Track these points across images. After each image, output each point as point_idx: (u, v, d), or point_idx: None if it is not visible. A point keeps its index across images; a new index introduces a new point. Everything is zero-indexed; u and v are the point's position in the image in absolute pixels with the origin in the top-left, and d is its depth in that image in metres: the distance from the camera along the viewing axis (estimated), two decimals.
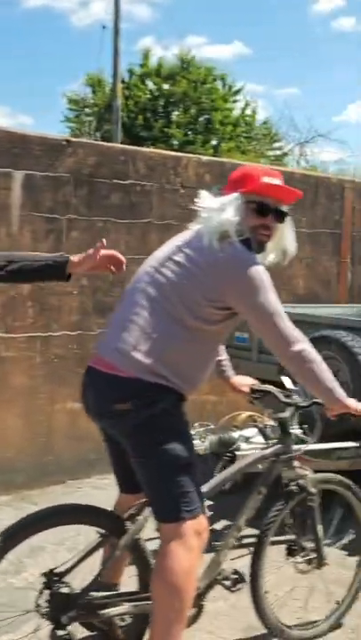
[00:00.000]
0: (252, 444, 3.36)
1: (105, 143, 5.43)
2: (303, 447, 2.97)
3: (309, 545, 2.87)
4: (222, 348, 2.90)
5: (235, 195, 2.45)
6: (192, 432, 3.09)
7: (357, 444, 4.27)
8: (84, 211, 4.78)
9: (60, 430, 4.63)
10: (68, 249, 4.63)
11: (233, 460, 4.18)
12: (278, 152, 20.60)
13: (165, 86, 24.29)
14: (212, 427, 4.59)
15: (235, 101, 24.87)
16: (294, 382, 3.01)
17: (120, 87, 17.57)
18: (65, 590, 2.40)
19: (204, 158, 5.74)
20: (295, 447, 2.86)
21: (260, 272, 2.37)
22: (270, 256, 2.57)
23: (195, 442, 3.84)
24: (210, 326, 2.42)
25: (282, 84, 47.09)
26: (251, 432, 3.35)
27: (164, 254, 2.49)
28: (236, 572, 2.69)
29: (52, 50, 46.52)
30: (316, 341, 4.35)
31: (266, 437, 2.93)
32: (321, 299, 6.58)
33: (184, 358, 2.41)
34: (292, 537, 2.87)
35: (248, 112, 24.72)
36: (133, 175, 5.02)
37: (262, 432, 2.92)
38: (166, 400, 2.38)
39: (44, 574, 2.42)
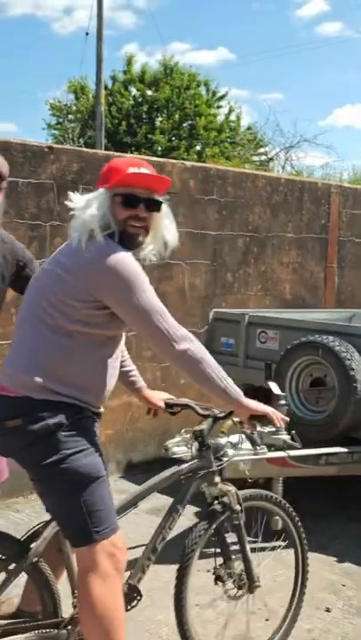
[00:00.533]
0: (239, 450, 3.32)
1: (88, 149, 5.39)
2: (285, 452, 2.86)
3: (238, 567, 2.70)
4: (128, 358, 2.77)
5: (99, 190, 2.35)
6: (178, 438, 3.06)
7: (346, 450, 4.25)
8: (68, 217, 4.71)
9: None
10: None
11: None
12: (264, 157, 20.61)
13: (149, 92, 24.32)
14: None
15: (219, 107, 24.96)
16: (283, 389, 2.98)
17: (103, 93, 17.56)
18: None
19: (189, 164, 5.71)
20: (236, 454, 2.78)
21: (127, 266, 2.23)
22: (149, 248, 2.44)
23: (181, 448, 3.82)
24: (94, 330, 2.29)
25: (266, 89, 47.44)
26: (238, 438, 3.31)
27: (41, 268, 2.44)
28: (131, 588, 2.50)
29: (36, 57, 46.65)
30: (303, 346, 4.37)
31: (253, 443, 2.86)
32: (308, 304, 6.57)
33: (73, 368, 2.28)
34: (219, 560, 2.68)
35: (232, 117, 24.80)
36: None
37: (250, 438, 2.83)
38: (59, 416, 2.24)
39: None
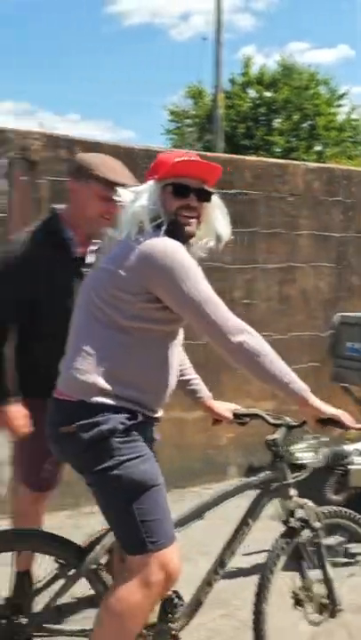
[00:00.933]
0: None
1: (210, 153, 5.41)
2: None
3: (319, 590, 2.53)
4: (190, 367, 2.68)
5: (149, 182, 2.30)
6: (304, 444, 2.98)
7: None
8: None
9: (166, 439, 4.61)
10: None
11: (346, 473, 4.04)
12: None
13: (267, 94, 24.19)
14: (325, 439, 4.46)
15: (339, 106, 24.47)
16: None
17: (222, 97, 17.60)
18: (17, 619, 2.32)
19: (312, 165, 5.62)
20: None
21: (178, 256, 2.16)
22: (202, 240, 2.37)
23: (308, 454, 3.72)
24: (150, 325, 2.21)
25: None
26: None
27: (92, 269, 2.40)
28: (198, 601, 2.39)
29: (153, 64, 47.49)
30: None
31: None
32: None
33: (130, 367, 2.21)
34: (298, 583, 2.52)
35: (354, 116, 24.25)
36: (239, 184, 4.96)
37: None
38: (113, 421, 2.17)
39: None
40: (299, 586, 2.52)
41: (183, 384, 2.62)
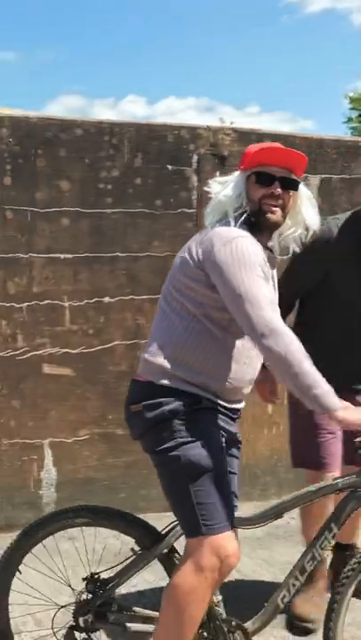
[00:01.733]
0: None
1: None
2: None
3: None
4: None
5: (235, 173, 2.32)
6: None
7: None
8: None
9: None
10: None
11: None
12: None
13: None
14: None
15: None
16: None
17: None
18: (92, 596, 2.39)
19: None
20: None
21: (237, 245, 2.13)
22: (290, 230, 2.34)
23: None
24: (221, 313, 2.20)
25: None
26: None
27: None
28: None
29: (335, 51, 46.29)
30: None
31: None
32: None
33: (199, 353, 2.22)
34: None
35: None
36: None
37: None
38: (176, 403, 2.20)
39: (85, 578, 2.43)
40: None
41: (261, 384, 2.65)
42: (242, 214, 2.25)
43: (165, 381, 2.24)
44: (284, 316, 3.00)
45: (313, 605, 2.94)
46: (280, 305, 2.95)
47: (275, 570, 2.41)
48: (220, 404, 2.29)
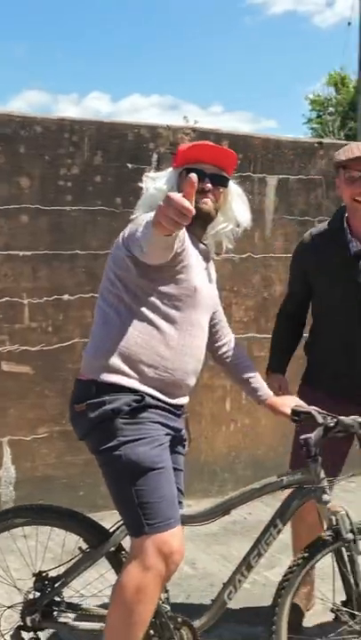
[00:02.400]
0: None
1: (357, 142, 5.34)
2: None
3: (351, 613, 2.30)
4: (250, 365, 2.63)
5: (168, 170, 2.41)
6: None
7: None
8: None
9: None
10: None
11: None
12: None
13: None
14: None
15: None
16: None
17: None
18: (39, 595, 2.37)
19: None
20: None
21: (141, 219, 2.19)
22: (222, 225, 2.43)
23: None
24: (155, 300, 2.25)
25: None
26: None
27: None
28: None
29: (296, 52, 46.77)
30: None
31: None
32: None
33: (136, 345, 2.23)
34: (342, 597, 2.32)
35: None
36: None
37: None
38: (119, 401, 2.20)
39: (34, 575, 2.43)
40: (342, 600, 2.37)
41: (241, 383, 2.63)
42: None
43: (107, 378, 2.24)
44: (290, 313, 3.10)
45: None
46: (288, 302, 3.11)
47: (231, 566, 2.43)
48: (163, 401, 2.29)
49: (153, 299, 2.26)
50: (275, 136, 4.57)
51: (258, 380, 2.63)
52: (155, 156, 4.16)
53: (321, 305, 2.93)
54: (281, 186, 4.54)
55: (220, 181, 2.37)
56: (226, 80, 56.79)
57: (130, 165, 4.09)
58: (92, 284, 4.01)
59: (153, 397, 2.26)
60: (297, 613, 2.87)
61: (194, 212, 1.82)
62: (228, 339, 2.66)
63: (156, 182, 2.39)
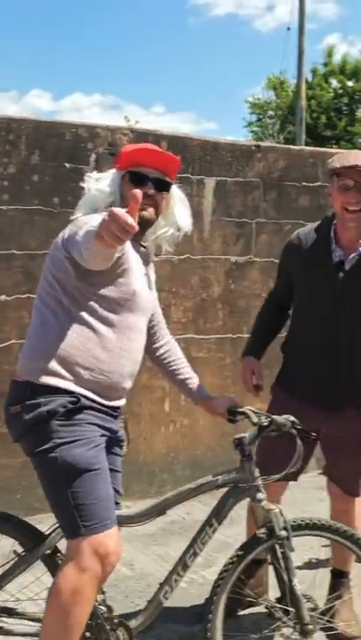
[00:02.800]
0: None
1: (294, 147, 5.44)
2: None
3: (285, 609, 2.34)
4: (187, 366, 2.64)
5: (111, 171, 2.38)
6: None
7: None
8: (274, 214, 4.82)
9: (248, 429, 4.69)
10: (257, 252, 4.71)
11: None
12: None
13: (350, 83, 23.77)
14: None
15: None
16: None
17: (304, 87, 17.42)
18: None
19: None
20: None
21: (81, 221, 2.19)
22: (163, 230, 2.43)
23: None
24: (91, 303, 2.24)
25: None
26: None
27: None
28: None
29: (237, 56, 47.27)
30: None
31: None
32: None
33: (73, 347, 2.22)
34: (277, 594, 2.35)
35: None
36: (322, 177, 4.98)
37: None
38: (54, 403, 2.19)
39: None
40: (276, 597, 2.40)
41: (180, 385, 2.64)
42: (114, 206, 2.23)
43: (43, 380, 2.22)
44: (272, 310, 3.12)
45: (352, 621, 2.94)
46: (272, 294, 3.13)
47: (169, 566, 2.45)
48: (99, 402, 2.28)
49: (91, 301, 2.25)
50: (213, 138, 4.61)
51: (195, 380, 2.64)
52: (93, 156, 4.14)
53: (300, 306, 2.95)
54: (219, 188, 4.58)
55: (163, 186, 2.36)
56: (168, 81, 56.99)
57: (68, 165, 4.06)
58: (30, 284, 3.96)
59: (89, 399, 2.25)
60: (238, 606, 2.93)
61: (137, 228, 1.82)
62: (166, 340, 2.66)
63: (98, 183, 2.36)
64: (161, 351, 2.65)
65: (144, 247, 2.45)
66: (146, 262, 2.45)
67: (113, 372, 2.29)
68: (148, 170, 2.33)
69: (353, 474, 2.94)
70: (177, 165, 2.40)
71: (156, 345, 2.64)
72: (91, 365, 2.25)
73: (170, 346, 2.66)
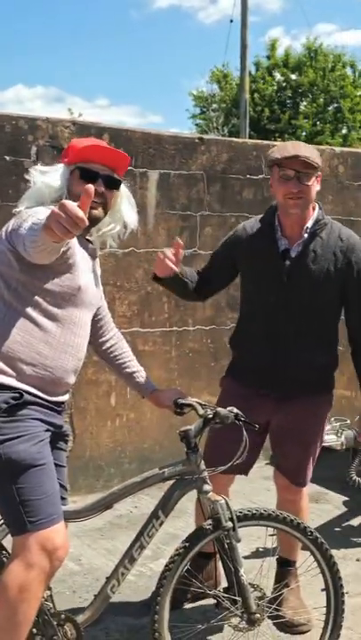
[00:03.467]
0: None
1: (237, 139, 5.47)
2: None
3: (233, 599, 2.37)
4: (133, 360, 2.65)
5: (59, 165, 2.36)
6: (328, 427, 3.01)
7: None
8: (217, 207, 4.84)
9: (194, 422, 4.72)
10: (201, 245, 4.72)
11: None
12: None
13: (293, 77, 24.02)
14: (348, 422, 4.54)
15: None
16: None
17: (248, 80, 17.51)
18: None
19: (338, 149, 5.64)
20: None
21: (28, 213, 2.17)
22: (108, 227, 2.44)
23: (330, 437, 3.75)
24: (33, 297, 2.22)
25: None
26: None
27: None
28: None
29: (181, 48, 47.25)
30: None
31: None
32: None
33: (16, 343, 2.20)
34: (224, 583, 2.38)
35: None
36: (266, 170, 5.01)
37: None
38: None
39: None
40: (224, 587, 2.41)
41: (127, 378, 2.64)
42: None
43: None
44: (201, 291, 3.05)
45: (300, 609, 2.97)
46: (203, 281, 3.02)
47: (117, 560, 2.44)
48: (42, 398, 2.27)
49: (35, 296, 2.22)
50: (155, 130, 4.59)
51: (142, 373, 2.64)
52: (34, 149, 4.09)
53: (246, 298, 2.98)
54: (162, 181, 4.57)
55: (113, 184, 2.36)
56: (112, 73, 56.58)
57: (7, 158, 4.00)
58: None
59: (32, 394, 2.23)
60: (186, 598, 2.95)
61: (87, 223, 1.81)
62: (112, 334, 2.65)
63: (45, 177, 2.32)
64: (107, 345, 2.63)
65: (90, 242, 2.43)
66: (92, 257, 2.43)
67: (56, 367, 2.28)
68: (99, 166, 2.32)
69: (300, 464, 2.97)
70: (127, 162, 2.39)
71: (103, 339, 2.62)
72: (33, 361, 2.23)
73: (116, 339, 2.65)
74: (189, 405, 2.45)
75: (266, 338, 2.86)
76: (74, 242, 2.24)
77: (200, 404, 2.43)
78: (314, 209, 2.83)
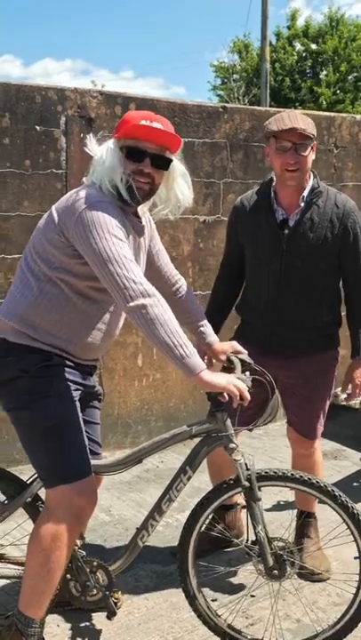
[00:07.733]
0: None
1: (259, 108, 5.54)
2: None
3: (252, 550, 2.44)
4: (199, 311, 2.74)
5: (110, 141, 2.31)
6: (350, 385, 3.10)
7: None
8: (240, 174, 4.94)
9: None
10: (224, 211, 4.84)
11: None
12: None
13: (313, 46, 23.75)
14: None
15: None
16: None
17: (268, 50, 17.39)
18: None
19: (358, 117, 5.70)
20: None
21: (94, 210, 2.15)
22: (160, 207, 2.42)
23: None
24: (74, 279, 2.26)
25: None
26: None
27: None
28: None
29: (203, 19, 46.55)
30: None
31: None
32: None
33: (50, 316, 2.28)
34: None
35: None
36: None
37: None
38: (26, 361, 2.27)
39: None
40: (253, 539, 2.44)
41: (192, 325, 2.71)
42: (112, 182, 2.26)
43: (17, 340, 2.29)
44: (228, 278, 3.22)
45: (319, 558, 3.11)
46: (222, 266, 3.20)
47: (145, 511, 2.58)
48: (72, 360, 2.35)
49: (75, 277, 2.26)
50: (180, 100, 4.69)
51: (205, 326, 2.73)
52: (63, 119, 4.21)
53: (249, 266, 3.09)
54: (187, 149, 4.66)
55: (162, 164, 2.30)
56: (136, 45, 56.17)
57: (38, 128, 4.12)
58: (3, 245, 4.05)
59: (61, 357, 2.32)
60: (211, 543, 3.09)
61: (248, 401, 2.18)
62: (180, 282, 2.74)
63: (102, 157, 2.29)
64: (175, 288, 2.72)
65: (139, 220, 2.41)
66: (140, 234, 2.42)
67: (90, 344, 2.37)
68: (147, 144, 2.27)
69: (310, 418, 3.09)
70: (178, 142, 2.31)
71: (173, 287, 2.71)
72: (68, 338, 2.32)
73: (185, 287, 2.74)
74: (230, 362, 2.56)
75: (269, 302, 2.98)
76: (127, 225, 2.28)
77: (243, 362, 2.51)
78: (310, 177, 2.91)
